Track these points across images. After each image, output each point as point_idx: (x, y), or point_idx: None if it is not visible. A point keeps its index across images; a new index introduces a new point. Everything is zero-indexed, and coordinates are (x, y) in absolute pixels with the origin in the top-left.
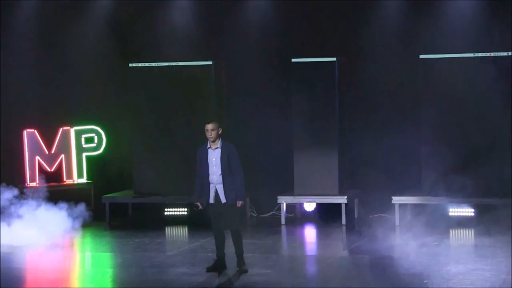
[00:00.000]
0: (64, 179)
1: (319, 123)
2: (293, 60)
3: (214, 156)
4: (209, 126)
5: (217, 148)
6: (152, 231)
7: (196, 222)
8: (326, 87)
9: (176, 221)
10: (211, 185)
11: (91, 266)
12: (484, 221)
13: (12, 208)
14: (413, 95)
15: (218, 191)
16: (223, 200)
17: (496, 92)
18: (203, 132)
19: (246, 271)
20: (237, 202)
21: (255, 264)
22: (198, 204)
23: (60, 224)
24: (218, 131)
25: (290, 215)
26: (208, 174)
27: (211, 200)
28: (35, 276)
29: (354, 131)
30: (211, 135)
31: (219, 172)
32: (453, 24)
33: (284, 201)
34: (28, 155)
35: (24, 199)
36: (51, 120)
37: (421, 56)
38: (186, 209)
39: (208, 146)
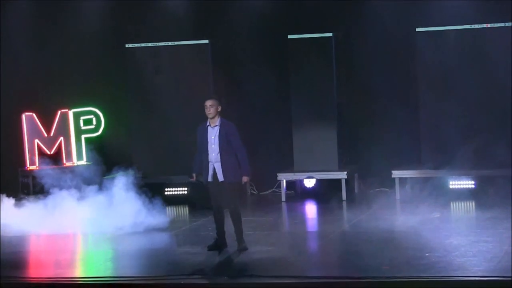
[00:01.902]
0: (64, 162)
1: (317, 99)
2: (289, 36)
3: (213, 134)
4: (208, 103)
5: (216, 126)
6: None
7: (196, 201)
8: (323, 63)
9: (176, 200)
10: (210, 163)
11: (91, 248)
12: (485, 193)
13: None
14: (411, 68)
15: (216, 169)
16: (221, 178)
17: (493, 63)
18: (201, 111)
19: (245, 249)
20: (242, 178)
21: (256, 241)
22: (194, 175)
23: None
24: (217, 108)
25: (290, 192)
26: (208, 152)
27: (210, 178)
28: (34, 259)
29: (352, 106)
30: (209, 111)
31: (217, 150)
32: None
33: (284, 178)
34: (27, 138)
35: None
36: (49, 103)
37: (418, 29)
38: (186, 189)
39: (208, 124)
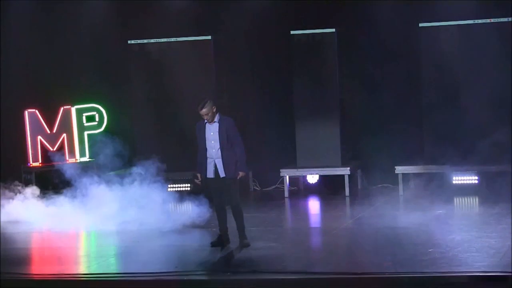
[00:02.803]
0: (67, 158)
1: (320, 95)
2: (292, 32)
3: (212, 131)
4: (203, 111)
5: (214, 122)
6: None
7: (199, 198)
8: (325, 58)
9: (179, 197)
10: (210, 160)
11: (95, 243)
12: (488, 189)
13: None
14: (414, 63)
15: (217, 165)
16: (222, 174)
17: (497, 58)
18: None
19: (247, 245)
20: (238, 173)
21: (259, 237)
22: (198, 175)
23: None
24: (213, 109)
25: (293, 188)
26: (206, 149)
27: (210, 175)
28: (34, 255)
29: (355, 102)
30: (206, 118)
31: (218, 146)
32: None
33: (287, 174)
34: (30, 135)
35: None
36: (52, 100)
37: (421, 24)
38: (189, 185)
39: (206, 121)
